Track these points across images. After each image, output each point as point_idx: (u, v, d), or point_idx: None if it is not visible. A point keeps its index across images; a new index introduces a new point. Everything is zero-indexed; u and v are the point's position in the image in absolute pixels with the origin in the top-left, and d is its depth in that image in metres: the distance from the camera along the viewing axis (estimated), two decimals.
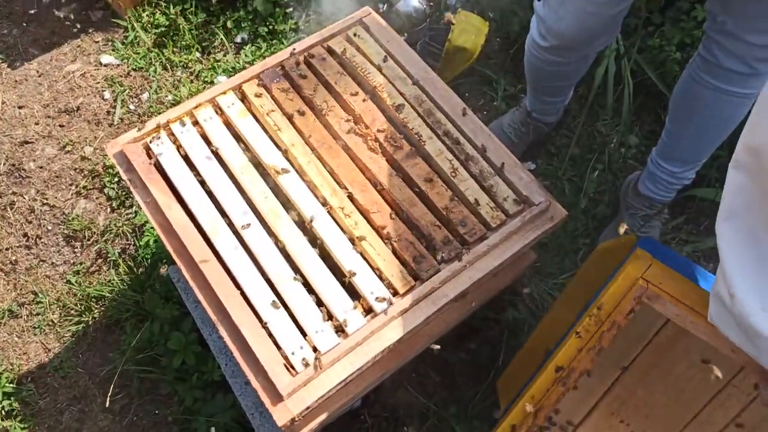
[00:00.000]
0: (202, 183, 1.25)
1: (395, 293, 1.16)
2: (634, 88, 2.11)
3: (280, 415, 1.05)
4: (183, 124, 1.30)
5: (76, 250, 1.97)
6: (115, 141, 1.28)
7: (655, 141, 1.94)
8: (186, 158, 1.27)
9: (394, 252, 1.20)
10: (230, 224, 1.21)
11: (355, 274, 1.16)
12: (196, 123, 1.31)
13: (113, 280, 1.89)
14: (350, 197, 1.24)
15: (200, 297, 1.15)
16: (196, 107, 1.32)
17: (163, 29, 2.29)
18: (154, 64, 2.24)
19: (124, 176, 1.26)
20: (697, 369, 1.46)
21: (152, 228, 1.88)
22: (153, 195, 1.21)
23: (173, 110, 1.32)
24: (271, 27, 2.31)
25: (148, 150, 1.28)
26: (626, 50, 2.08)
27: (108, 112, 2.16)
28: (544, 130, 2.00)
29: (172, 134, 1.30)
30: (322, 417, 1.29)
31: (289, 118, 1.32)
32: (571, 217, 2.00)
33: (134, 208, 1.98)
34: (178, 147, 1.28)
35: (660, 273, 1.17)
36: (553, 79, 1.72)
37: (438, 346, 1.37)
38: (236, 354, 1.10)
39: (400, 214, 1.24)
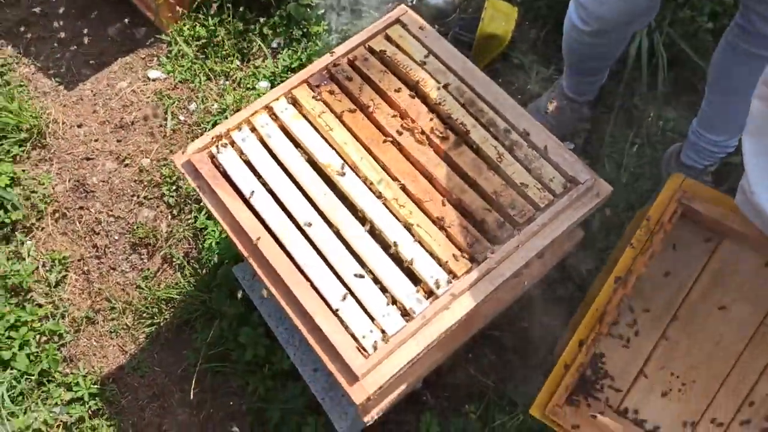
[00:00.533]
0: (265, 185, 1.34)
1: (453, 276, 1.23)
2: (668, 61, 2.13)
3: (357, 394, 1.14)
4: (242, 131, 1.39)
5: (142, 256, 2.10)
6: (182, 152, 1.38)
7: (692, 112, 1.96)
8: (248, 163, 1.36)
9: (449, 237, 1.27)
10: (295, 222, 1.29)
11: (414, 260, 1.24)
12: (254, 129, 1.41)
13: (180, 282, 2.01)
14: (403, 188, 1.32)
15: (274, 292, 1.24)
16: (252, 114, 1.41)
17: (204, 41, 2.40)
18: (198, 75, 2.35)
19: (193, 184, 1.36)
20: (733, 312, 1.62)
21: (213, 231, 2.00)
22: (221, 199, 1.31)
23: (232, 119, 1.41)
24: (305, 30, 2.40)
25: (212, 158, 1.38)
26: (658, 24, 2.10)
27: (160, 125, 2.28)
28: (583, 109, 2.04)
29: (233, 142, 1.39)
30: (392, 396, 1.37)
31: (339, 117, 1.40)
32: (614, 193, 2.03)
33: (193, 214, 2.09)
34: (240, 153, 1.38)
35: (693, 184, 1.50)
36: (594, 60, 1.76)
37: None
38: (312, 341, 1.19)
39: (452, 201, 1.31)
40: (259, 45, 2.40)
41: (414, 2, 2.29)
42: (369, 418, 1.35)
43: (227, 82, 2.36)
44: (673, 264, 1.71)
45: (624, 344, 1.69)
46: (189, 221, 2.09)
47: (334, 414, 1.55)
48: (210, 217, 2.04)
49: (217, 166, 1.37)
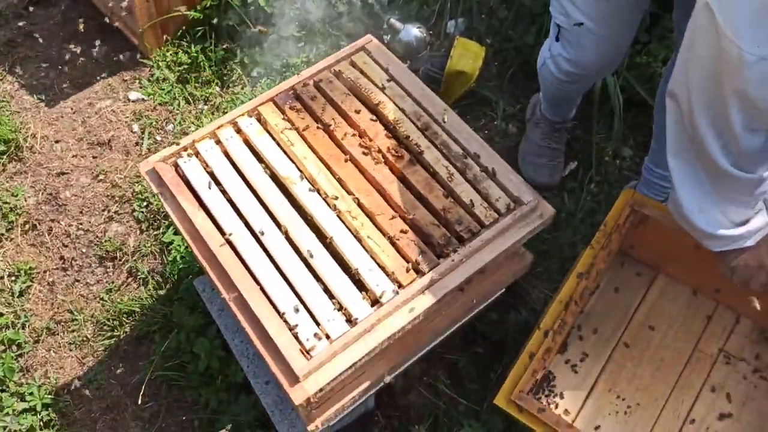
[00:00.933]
0: (225, 194, 1.39)
1: (399, 286, 1.28)
2: (626, 103, 2.24)
3: (297, 394, 1.17)
4: (207, 143, 1.46)
5: (108, 270, 2.12)
6: (147, 160, 1.44)
7: (646, 152, 2.07)
8: (210, 173, 1.42)
9: (397, 249, 1.32)
10: (250, 229, 1.34)
11: (362, 269, 1.29)
12: (218, 142, 1.47)
13: (143, 295, 2.03)
14: (357, 202, 1.38)
15: (225, 295, 1.28)
16: (218, 128, 1.48)
17: (185, 66, 2.49)
18: (177, 99, 2.43)
19: (155, 190, 1.41)
20: (670, 338, 1.79)
21: (179, 246, 2.04)
22: (181, 205, 1.36)
23: (198, 131, 1.48)
24: (285, 61, 2.50)
25: (176, 167, 1.43)
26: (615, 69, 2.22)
27: (136, 143, 2.34)
28: (570, 126, 2.18)
29: (198, 153, 1.45)
30: (337, 406, 1.39)
31: (301, 134, 1.47)
32: (571, 226, 2.11)
33: (162, 230, 2.13)
34: (204, 163, 1.44)
35: (642, 196, 1.72)
36: (572, 95, 1.94)
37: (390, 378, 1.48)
38: (257, 343, 1.22)
39: (403, 216, 1.37)
40: (239, 73, 2.50)
41: (388, 39, 2.41)
42: (313, 427, 1.37)
43: (206, 107, 2.44)
44: (616, 298, 1.84)
45: (573, 368, 1.77)
46: (156, 236, 2.13)
47: (283, 427, 1.56)
48: (176, 232, 2.08)
49: (181, 176, 1.43)
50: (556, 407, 1.70)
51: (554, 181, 2.17)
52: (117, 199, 2.22)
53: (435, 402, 1.78)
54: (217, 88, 2.47)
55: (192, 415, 1.84)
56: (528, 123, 2.24)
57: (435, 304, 1.28)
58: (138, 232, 2.16)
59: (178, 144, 1.44)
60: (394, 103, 1.51)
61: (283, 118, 1.49)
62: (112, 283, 2.09)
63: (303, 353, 1.20)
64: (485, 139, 1.95)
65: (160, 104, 2.44)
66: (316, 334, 1.22)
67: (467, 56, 2.27)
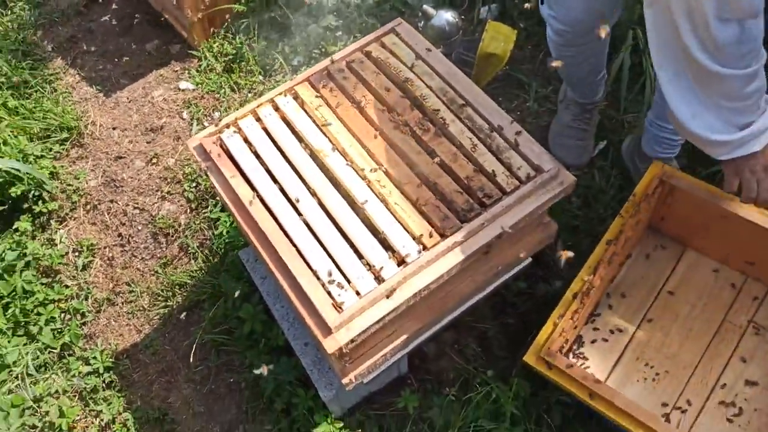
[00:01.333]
0: (264, 165, 1.51)
1: (424, 248, 1.37)
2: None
3: (330, 344, 1.28)
4: (247, 120, 1.58)
5: (162, 245, 2.29)
6: (194, 137, 1.58)
7: None
8: (251, 147, 1.55)
9: (422, 215, 1.42)
10: (287, 197, 1.46)
11: (389, 233, 1.39)
12: (258, 119, 1.59)
13: (193, 268, 2.19)
14: (385, 172, 1.48)
15: (264, 256, 1.40)
16: (258, 106, 1.60)
17: (231, 57, 2.63)
18: (224, 87, 2.58)
19: (202, 164, 1.54)
20: (699, 309, 1.83)
21: (225, 221, 2.18)
22: (225, 176, 1.49)
23: (240, 110, 1.60)
24: (323, 50, 2.61)
25: (220, 142, 1.56)
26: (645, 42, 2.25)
27: (186, 129, 2.50)
28: (600, 107, 2.20)
29: (240, 129, 1.58)
30: (369, 362, 1.50)
31: (334, 111, 1.58)
32: (601, 202, 2.16)
33: (210, 208, 2.29)
34: (245, 138, 1.56)
35: (671, 169, 1.79)
36: (582, 63, 1.93)
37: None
38: (294, 299, 1.34)
39: (428, 185, 1.46)
40: (281, 62, 2.63)
41: (421, 26, 2.49)
42: (347, 380, 1.48)
43: (250, 94, 2.58)
44: (645, 270, 1.89)
45: (602, 337, 1.82)
46: (205, 214, 2.28)
47: (321, 384, 1.68)
48: (222, 209, 2.23)
49: (225, 150, 1.56)
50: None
51: (583, 162, 2.21)
52: (169, 180, 2.39)
53: (465, 367, 1.87)
54: (260, 77, 2.61)
55: (238, 377, 1.99)
56: (560, 105, 2.29)
57: (458, 264, 1.36)
58: (188, 210, 2.32)
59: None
60: (422, 80, 1.60)
61: (317, 97, 1.60)
62: (165, 257, 2.26)
63: (335, 307, 1.30)
64: (517, 120, 2.02)
65: (207, 93, 2.59)
66: (346, 291, 1.32)
67: (498, 39, 2.33)
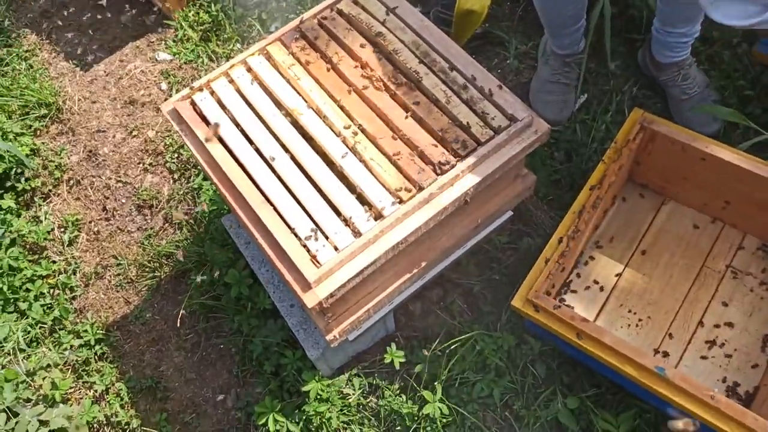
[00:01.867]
0: (238, 126, 1.51)
1: (401, 201, 1.37)
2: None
3: (310, 299, 1.29)
4: (220, 81, 1.57)
5: (146, 217, 2.29)
6: (167, 102, 1.56)
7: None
8: (224, 108, 1.54)
9: (398, 169, 1.41)
10: (262, 157, 1.46)
11: (365, 188, 1.39)
12: (231, 81, 1.58)
13: (179, 238, 2.19)
14: (360, 128, 1.47)
15: (241, 215, 1.40)
16: (230, 67, 1.58)
17: (207, 25, 2.60)
18: (201, 57, 2.55)
19: (176, 128, 1.53)
20: (678, 256, 1.85)
21: (207, 190, 2.18)
22: (199, 138, 1.48)
23: (213, 72, 1.59)
24: (300, 14, 2.57)
25: (193, 105, 1.55)
26: None
27: (165, 100, 2.48)
28: (581, 61, 2.19)
29: (213, 91, 1.56)
30: (352, 318, 1.51)
31: (307, 69, 1.56)
32: (583, 156, 2.16)
33: (192, 178, 2.28)
34: (218, 101, 1.55)
35: (651, 115, 1.80)
36: (563, 8, 1.93)
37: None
38: (273, 257, 1.34)
39: (403, 139, 1.45)
40: (258, 29, 2.59)
41: None
42: (331, 337, 1.50)
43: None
44: (625, 220, 1.91)
45: (585, 286, 1.85)
46: (188, 185, 2.28)
47: (308, 344, 1.70)
48: (205, 177, 2.22)
49: (198, 113, 1.55)
50: None
51: (563, 117, 2.20)
52: (150, 152, 2.37)
53: (451, 323, 1.89)
54: (238, 45, 2.58)
55: (228, 342, 2.01)
56: (540, 60, 2.27)
57: (435, 216, 1.37)
58: (171, 181, 2.32)
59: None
60: (394, 34, 1.58)
61: (290, 55, 1.59)
62: (151, 229, 2.26)
63: (313, 262, 1.31)
64: (498, 77, 2.00)
65: (185, 63, 2.57)
66: (324, 246, 1.33)
67: None
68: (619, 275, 1.86)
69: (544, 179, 2.07)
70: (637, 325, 1.80)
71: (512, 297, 1.62)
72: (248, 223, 1.39)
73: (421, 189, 1.38)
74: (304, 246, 1.33)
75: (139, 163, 2.37)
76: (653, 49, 2.08)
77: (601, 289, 1.85)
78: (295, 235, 1.35)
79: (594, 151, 2.16)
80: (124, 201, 2.33)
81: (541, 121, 1.45)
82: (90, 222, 2.33)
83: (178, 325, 2.08)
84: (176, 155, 2.33)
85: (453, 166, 1.39)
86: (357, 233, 1.34)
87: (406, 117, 1.47)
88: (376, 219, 1.36)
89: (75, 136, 2.46)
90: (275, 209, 1.38)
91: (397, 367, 1.75)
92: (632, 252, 1.89)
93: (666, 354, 1.74)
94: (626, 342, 1.50)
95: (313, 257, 1.32)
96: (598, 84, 2.30)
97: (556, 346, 1.80)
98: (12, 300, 2.17)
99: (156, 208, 2.28)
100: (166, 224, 2.26)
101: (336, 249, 1.33)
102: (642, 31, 2.30)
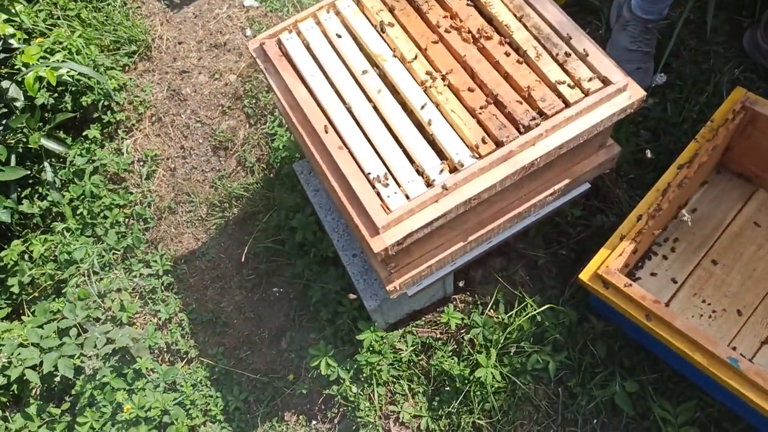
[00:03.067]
0: (322, 69, 1.50)
1: (479, 156, 1.34)
2: None
3: (377, 244, 1.28)
4: (307, 22, 1.56)
5: (221, 158, 2.34)
6: (255, 38, 1.57)
7: None
8: (309, 50, 1.53)
9: (479, 122, 1.37)
10: (343, 101, 1.45)
11: (443, 139, 1.36)
12: (318, 22, 1.57)
13: (249, 181, 2.24)
14: (443, 78, 1.44)
15: (317, 157, 1.40)
16: (318, 9, 1.57)
17: None
18: (287, 5, 2.56)
19: (261, 65, 1.54)
20: (765, 250, 1.73)
21: (281, 136, 2.20)
22: (283, 78, 1.48)
23: (301, 13, 1.58)
24: None
25: (280, 45, 1.56)
26: None
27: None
28: (662, 27, 2.07)
29: (300, 32, 1.56)
30: (414, 272, 1.50)
31: (395, 15, 1.53)
32: (672, 136, 2.04)
33: (268, 124, 2.31)
34: (304, 41, 1.55)
35: (755, 96, 1.70)
36: None
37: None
38: (343, 198, 1.34)
39: (487, 93, 1.41)
40: None
41: None
42: (392, 288, 1.49)
43: None
44: (712, 206, 1.80)
45: (661, 270, 1.76)
46: (263, 130, 2.31)
47: (366, 294, 1.70)
48: (280, 123, 2.24)
49: (284, 52, 1.55)
50: None
51: (645, 88, 2.08)
52: (230, 95, 2.42)
53: (512, 292, 1.85)
54: None
55: (288, 286, 2.04)
56: (614, 27, 2.15)
57: (512, 175, 1.33)
58: (247, 126, 2.36)
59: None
60: None
61: (379, 1, 1.56)
62: (224, 170, 2.31)
63: (384, 209, 1.30)
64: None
65: (271, 11, 2.58)
66: (396, 193, 1.31)
67: None
68: (698, 263, 1.76)
69: (627, 156, 1.97)
70: (710, 317, 1.71)
71: (580, 271, 1.56)
72: (322, 165, 1.39)
73: (500, 145, 1.34)
74: (376, 192, 1.32)
75: (218, 106, 2.42)
76: (763, 30, 1.93)
77: (676, 274, 1.76)
78: (368, 180, 1.34)
79: (684, 133, 2.04)
80: (201, 141, 2.39)
81: (637, 86, 1.38)
82: (167, 159, 2.40)
83: (242, 264, 2.14)
84: (254, 101, 2.37)
85: (537, 125, 1.34)
86: (430, 184, 1.32)
87: (493, 71, 1.42)
88: (451, 172, 1.33)
89: (160, 74, 2.53)
90: (351, 154, 1.37)
91: (453, 328, 1.73)
92: (715, 239, 1.79)
93: (734, 349, 1.64)
94: (698, 329, 1.42)
95: (384, 203, 1.31)
96: (697, 62, 2.16)
97: (620, 327, 1.73)
98: (90, 224, 2.28)
99: (230, 150, 2.33)
100: (239, 167, 2.31)
101: (407, 197, 1.31)
102: (754, 13, 2.13)
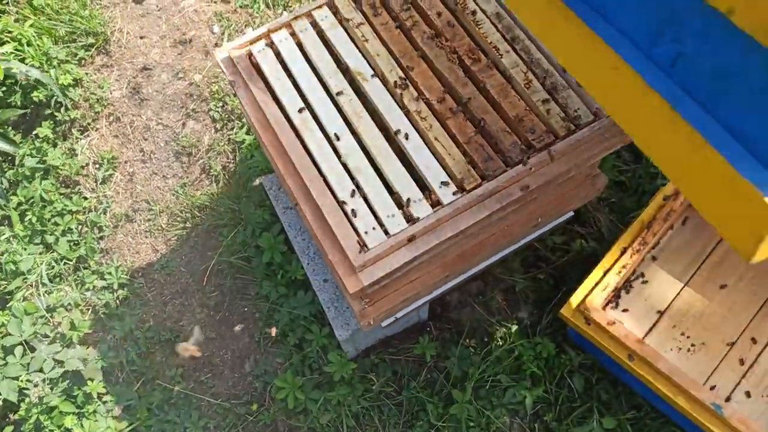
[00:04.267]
0: (295, 85, 1.39)
1: (463, 190, 1.25)
2: None
3: (352, 284, 1.18)
4: (281, 33, 1.44)
5: (183, 164, 2.20)
6: (222, 47, 1.44)
7: None
8: (282, 63, 1.41)
9: (465, 153, 1.29)
10: (318, 122, 1.34)
11: (426, 170, 1.27)
12: (293, 33, 1.45)
13: (214, 191, 2.10)
14: (427, 103, 1.34)
15: (289, 182, 1.29)
16: (294, 19, 1.46)
17: None
18: (258, 2, 2.42)
19: (229, 77, 1.42)
20: (746, 282, 1.67)
21: (250, 144, 2.08)
22: (254, 93, 1.36)
23: (274, 22, 1.46)
24: None
25: (250, 56, 1.43)
26: None
27: (216, 44, 2.36)
28: None
29: (272, 43, 1.44)
30: (389, 306, 1.41)
31: (376, 30, 1.43)
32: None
33: (235, 129, 2.18)
34: (277, 53, 1.43)
35: None
36: None
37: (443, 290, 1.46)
38: (316, 231, 1.24)
39: (473, 120, 1.32)
40: None
41: None
42: (366, 323, 1.40)
43: (285, 13, 2.41)
44: (691, 235, 1.77)
45: (639, 301, 1.72)
46: (230, 136, 2.18)
47: (337, 323, 1.61)
48: (249, 131, 2.12)
49: (254, 64, 1.43)
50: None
51: None
52: (195, 97, 2.27)
53: (489, 319, 1.78)
54: None
55: (253, 306, 1.93)
56: None
57: (497, 211, 1.25)
58: (213, 130, 2.22)
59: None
60: (476, 3, 1.43)
61: (359, 12, 1.45)
62: (187, 177, 2.17)
63: (360, 245, 1.20)
64: None
65: (241, 6, 2.44)
66: (374, 229, 1.22)
67: None
68: (677, 293, 1.72)
69: (608, 180, 1.91)
70: (689, 350, 1.67)
71: (557, 300, 1.51)
72: (295, 193, 1.28)
73: (486, 179, 1.26)
74: (353, 226, 1.22)
75: (182, 107, 2.27)
76: None
77: (655, 306, 1.71)
78: (344, 212, 1.24)
79: None
80: (162, 145, 2.24)
81: None
82: (126, 162, 2.25)
83: (204, 281, 2.01)
84: (221, 104, 2.23)
85: (525, 159, 1.26)
86: (411, 220, 1.23)
87: (479, 96, 1.33)
88: (433, 206, 1.24)
89: (120, 70, 2.36)
90: (326, 182, 1.27)
91: (428, 359, 1.65)
92: (695, 270, 1.75)
93: (713, 387, 1.61)
94: (682, 372, 1.37)
95: (361, 239, 1.21)
96: None
97: (597, 359, 1.68)
98: (40, 232, 2.12)
99: (194, 156, 2.19)
100: (203, 174, 2.17)
101: (387, 234, 1.22)
102: None
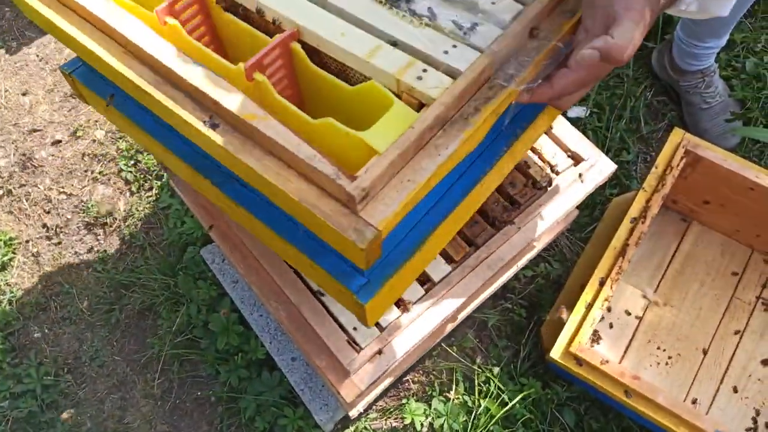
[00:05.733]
0: None
1: (451, 261, 1.13)
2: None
3: (348, 391, 1.04)
4: None
5: (98, 237, 1.93)
6: None
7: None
8: None
9: None
10: None
11: None
12: None
13: (141, 265, 1.86)
14: None
15: (250, 281, 1.12)
16: None
17: None
18: None
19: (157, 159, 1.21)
20: (708, 286, 1.74)
21: (177, 209, 1.85)
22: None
23: None
24: None
25: None
26: None
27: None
28: None
29: None
30: (379, 389, 1.28)
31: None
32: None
33: (154, 191, 1.93)
34: None
35: (695, 138, 1.61)
36: None
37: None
38: (295, 334, 1.08)
39: None
40: None
41: None
42: (355, 412, 1.26)
43: None
44: (650, 247, 1.78)
45: (609, 322, 1.70)
46: (150, 199, 1.93)
47: (315, 405, 1.45)
48: (172, 193, 1.88)
49: None
50: None
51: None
52: (100, 157, 2.00)
53: (469, 366, 1.69)
54: None
55: (208, 391, 1.73)
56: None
57: (491, 278, 1.14)
58: (128, 194, 1.96)
59: None
60: None
61: None
62: (105, 251, 1.91)
63: (350, 344, 1.06)
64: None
65: None
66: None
67: None
68: (646, 307, 1.72)
69: None
70: (667, 363, 1.67)
71: (532, 329, 1.43)
72: (260, 293, 1.11)
73: (474, 246, 1.15)
74: (338, 323, 1.07)
75: (86, 171, 1.99)
76: (676, 55, 1.92)
77: (628, 323, 1.70)
78: (324, 306, 1.09)
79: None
80: (69, 216, 1.96)
81: (606, 159, 1.24)
82: (27, 242, 1.94)
83: (145, 368, 1.78)
84: (132, 162, 1.97)
85: (510, 219, 1.16)
86: (403, 305, 1.10)
87: None
88: (423, 285, 1.12)
89: (4, 135, 2.04)
90: (295, 271, 1.11)
91: (418, 428, 1.54)
92: (659, 281, 1.75)
93: (694, 401, 1.63)
94: (683, 404, 1.35)
95: (350, 338, 1.06)
96: (610, 87, 2.11)
97: (584, 390, 1.64)
98: None
99: (110, 226, 1.93)
100: (124, 246, 1.91)
101: (377, 325, 1.08)
102: (657, 40, 2.12)
